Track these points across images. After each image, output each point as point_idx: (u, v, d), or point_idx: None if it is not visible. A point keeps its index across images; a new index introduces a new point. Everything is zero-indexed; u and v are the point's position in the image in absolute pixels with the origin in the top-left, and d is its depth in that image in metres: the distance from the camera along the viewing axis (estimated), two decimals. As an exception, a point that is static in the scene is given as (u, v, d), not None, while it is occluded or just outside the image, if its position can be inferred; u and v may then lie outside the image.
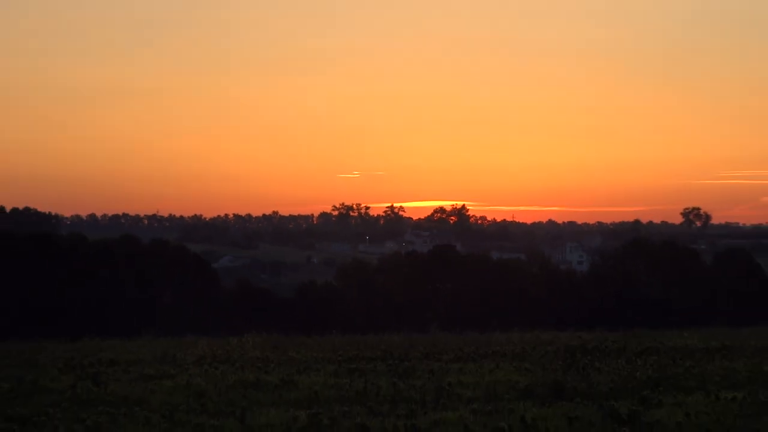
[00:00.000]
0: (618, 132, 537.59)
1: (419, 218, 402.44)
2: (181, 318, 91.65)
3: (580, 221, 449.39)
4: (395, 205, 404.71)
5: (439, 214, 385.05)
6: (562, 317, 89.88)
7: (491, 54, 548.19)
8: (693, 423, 22.02)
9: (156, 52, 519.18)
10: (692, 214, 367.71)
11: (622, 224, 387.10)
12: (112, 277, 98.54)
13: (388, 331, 59.51)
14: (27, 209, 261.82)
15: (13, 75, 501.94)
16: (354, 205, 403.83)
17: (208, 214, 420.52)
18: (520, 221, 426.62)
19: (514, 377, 31.60)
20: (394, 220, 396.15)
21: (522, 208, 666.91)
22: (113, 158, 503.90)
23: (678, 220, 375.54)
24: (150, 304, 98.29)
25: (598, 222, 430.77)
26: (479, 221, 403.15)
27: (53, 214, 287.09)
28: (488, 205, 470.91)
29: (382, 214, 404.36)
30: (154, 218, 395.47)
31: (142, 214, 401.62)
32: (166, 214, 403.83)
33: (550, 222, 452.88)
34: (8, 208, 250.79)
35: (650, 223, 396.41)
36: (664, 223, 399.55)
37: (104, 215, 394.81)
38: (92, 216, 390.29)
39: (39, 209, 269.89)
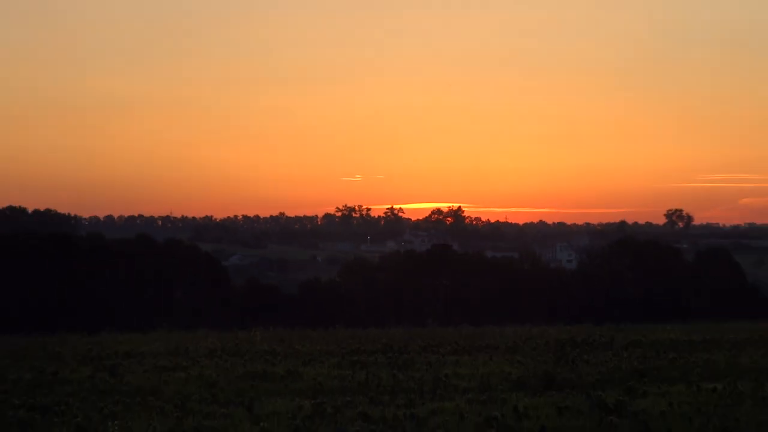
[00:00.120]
0: (605, 139, 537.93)
1: (418, 219, 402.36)
2: (193, 313, 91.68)
3: (569, 222, 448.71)
4: (395, 206, 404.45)
5: (436, 215, 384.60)
6: (552, 312, 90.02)
7: (485, 66, 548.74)
8: (676, 412, 22.01)
9: (168, 64, 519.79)
10: (675, 215, 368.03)
11: (609, 225, 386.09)
12: (128, 274, 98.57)
13: (389, 326, 59.53)
14: (48, 210, 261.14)
15: (39, 84, 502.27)
16: (356, 207, 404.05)
17: (219, 215, 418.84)
18: (513, 222, 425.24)
19: (507, 369, 31.61)
20: (394, 220, 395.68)
21: (514, 209, 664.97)
22: (129, 163, 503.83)
23: (661, 221, 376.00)
24: (164, 300, 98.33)
25: (586, 223, 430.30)
26: (474, 222, 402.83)
27: (72, 215, 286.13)
28: (483, 206, 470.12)
29: (382, 215, 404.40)
30: (167, 219, 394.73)
31: (156, 216, 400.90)
32: (179, 216, 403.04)
33: (541, 223, 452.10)
34: (30, 210, 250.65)
35: (635, 224, 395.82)
36: (648, 224, 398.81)
37: (120, 216, 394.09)
38: (109, 217, 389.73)
39: (59, 210, 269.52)
